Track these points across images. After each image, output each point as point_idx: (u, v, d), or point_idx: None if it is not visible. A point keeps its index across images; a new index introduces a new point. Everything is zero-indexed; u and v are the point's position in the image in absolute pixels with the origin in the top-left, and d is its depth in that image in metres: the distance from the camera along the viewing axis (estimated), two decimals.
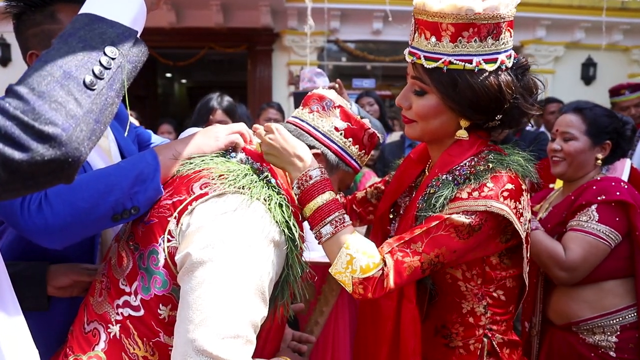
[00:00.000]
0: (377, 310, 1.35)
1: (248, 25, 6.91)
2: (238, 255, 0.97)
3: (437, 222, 1.15)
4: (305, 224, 1.20)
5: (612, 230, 1.73)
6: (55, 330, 1.24)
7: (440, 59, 1.17)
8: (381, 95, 5.32)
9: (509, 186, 1.17)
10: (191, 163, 1.11)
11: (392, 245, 1.15)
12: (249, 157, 1.16)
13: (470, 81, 1.17)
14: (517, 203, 1.17)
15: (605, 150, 1.86)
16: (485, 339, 1.27)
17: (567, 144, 1.86)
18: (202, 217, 1.00)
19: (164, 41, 6.94)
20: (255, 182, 1.06)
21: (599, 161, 1.86)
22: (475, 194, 1.16)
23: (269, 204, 1.04)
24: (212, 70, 10.33)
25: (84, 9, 0.82)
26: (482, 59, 1.16)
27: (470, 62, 1.16)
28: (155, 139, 1.71)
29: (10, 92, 0.69)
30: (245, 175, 1.06)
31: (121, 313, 1.05)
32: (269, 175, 1.12)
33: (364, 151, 1.29)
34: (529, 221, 1.26)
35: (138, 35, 0.84)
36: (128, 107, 0.86)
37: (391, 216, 1.45)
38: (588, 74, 7.52)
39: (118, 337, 1.04)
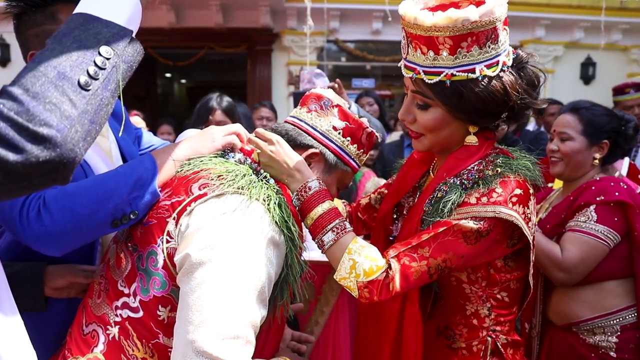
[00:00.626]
0: (380, 312, 1.35)
1: (248, 25, 6.91)
2: (237, 256, 0.97)
3: (445, 227, 1.14)
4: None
5: (611, 230, 1.72)
6: (54, 331, 1.23)
7: (442, 72, 1.14)
8: (381, 95, 5.33)
9: (518, 191, 1.16)
10: (190, 164, 1.11)
11: (399, 249, 1.15)
12: (247, 157, 1.17)
13: (476, 90, 1.15)
14: (526, 208, 1.17)
15: (603, 149, 1.85)
16: (489, 339, 1.27)
17: (564, 144, 1.86)
18: (201, 217, 1.00)
19: (164, 41, 6.95)
20: (254, 182, 1.06)
21: (596, 161, 1.85)
22: (484, 199, 1.15)
23: (268, 204, 1.03)
24: (212, 70, 10.34)
25: (78, 9, 0.82)
26: (484, 65, 1.14)
27: (473, 71, 1.13)
28: (156, 142, 1.71)
29: (5, 93, 0.68)
30: (244, 175, 1.06)
31: (120, 314, 1.04)
32: (268, 175, 1.12)
33: (362, 150, 1.29)
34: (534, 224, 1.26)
35: (133, 35, 0.84)
36: (123, 107, 0.86)
37: (394, 216, 1.45)
38: (587, 73, 7.53)
39: (117, 338, 1.04)
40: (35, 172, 0.66)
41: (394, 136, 4.01)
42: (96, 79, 0.74)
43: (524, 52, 1.26)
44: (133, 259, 1.06)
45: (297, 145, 1.23)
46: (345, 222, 1.18)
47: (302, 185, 1.17)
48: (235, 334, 0.93)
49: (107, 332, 1.05)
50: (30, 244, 1.03)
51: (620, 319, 1.74)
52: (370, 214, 1.62)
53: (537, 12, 7.02)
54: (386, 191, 1.58)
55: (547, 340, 1.88)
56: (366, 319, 1.45)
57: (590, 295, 1.77)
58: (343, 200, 1.72)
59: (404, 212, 1.42)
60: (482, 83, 1.15)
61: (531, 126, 4.93)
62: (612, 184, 1.78)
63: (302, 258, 1.13)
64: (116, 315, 1.05)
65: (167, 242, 1.02)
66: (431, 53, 1.14)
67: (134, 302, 1.04)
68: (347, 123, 1.24)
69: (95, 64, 0.75)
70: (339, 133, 1.24)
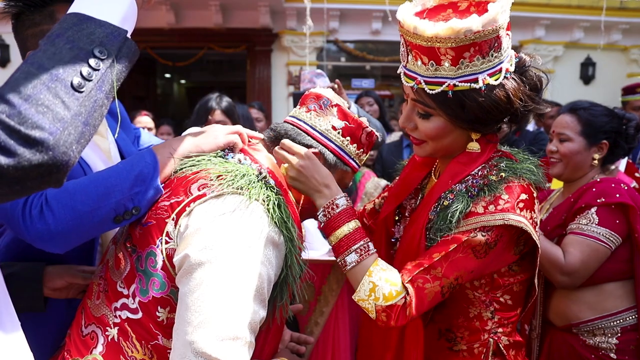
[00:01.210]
0: None
1: (247, 25, 6.91)
2: (237, 257, 0.96)
3: (456, 245, 1.13)
4: (304, 224, 1.20)
5: (612, 232, 1.72)
6: (53, 331, 1.23)
7: (444, 82, 1.12)
8: (381, 95, 5.32)
9: (524, 196, 1.15)
10: (189, 163, 1.10)
11: (412, 273, 1.14)
12: (247, 158, 1.16)
13: (479, 100, 1.13)
14: (532, 213, 1.16)
15: (602, 150, 1.84)
16: (491, 341, 1.26)
17: (563, 145, 1.85)
18: (200, 218, 0.99)
19: (163, 42, 6.95)
20: (254, 182, 1.05)
21: (596, 161, 1.85)
22: (492, 207, 1.14)
23: (268, 205, 1.03)
24: (211, 70, 10.34)
25: (72, 9, 0.80)
26: (487, 74, 1.12)
27: (476, 80, 1.11)
28: (155, 141, 1.71)
29: None
30: (244, 175, 1.06)
31: (119, 316, 1.04)
32: (267, 175, 1.11)
33: (362, 150, 1.28)
34: None
35: (128, 35, 0.82)
36: (118, 108, 0.85)
37: (396, 218, 1.44)
38: (587, 73, 7.53)
39: (116, 340, 1.04)
40: (27, 176, 0.66)
41: (394, 136, 4.01)
42: (90, 81, 0.73)
43: (526, 54, 1.24)
44: (132, 259, 1.06)
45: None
46: (369, 243, 1.18)
47: (329, 202, 1.18)
48: (235, 334, 0.92)
49: (106, 333, 1.05)
50: (34, 242, 1.03)
51: (621, 321, 1.74)
52: (375, 219, 1.61)
53: (537, 12, 7.03)
54: (388, 194, 1.57)
55: (547, 342, 1.87)
56: (369, 324, 1.45)
57: (590, 297, 1.76)
58: None
59: (406, 214, 1.41)
60: (485, 92, 1.12)
61: (530, 126, 4.93)
62: (612, 185, 1.77)
63: (301, 258, 1.13)
64: (115, 316, 1.05)
65: (166, 242, 1.02)
66: (432, 63, 1.12)
67: (133, 303, 1.03)
68: (347, 122, 1.24)
69: (89, 65, 0.74)
70: (339, 133, 1.23)
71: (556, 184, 2.12)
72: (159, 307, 1.02)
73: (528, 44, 7.24)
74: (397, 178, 1.52)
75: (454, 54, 1.09)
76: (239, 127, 1.23)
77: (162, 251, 1.02)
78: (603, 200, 1.74)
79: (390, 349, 1.32)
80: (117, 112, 1.41)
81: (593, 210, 1.74)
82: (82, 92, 0.72)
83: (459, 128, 1.20)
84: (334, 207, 1.18)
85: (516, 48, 1.27)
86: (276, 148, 1.21)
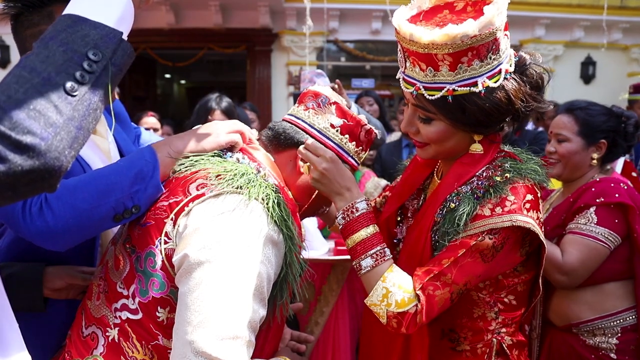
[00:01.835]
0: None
1: (247, 25, 6.91)
2: (236, 256, 0.96)
3: (464, 250, 1.13)
4: (303, 222, 1.20)
5: (611, 232, 1.71)
6: (53, 332, 1.23)
7: (443, 87, 1.11)
8: (381, 95, 5.32)
9: (529, 197, 1.15)
10: (187, 163, 1.10)
11: (423, 280, 1.14)
12: (246, 157, 1.15)
13: (479, 103, 1.12)
14: (538, 213, 1.17)
15: (600, 149, 1.83)
16: (494, 341, 1.26)
17: (561, 146, 1.84)
18: (199, 218, 0.99)
19: (163, 42, 6.95)
20: (253, 181, 1.05)
21: (595, 161, 1.84)
22: (498, 209, 1.13)
23: (267, 203, 1.03)
24: (211, 70, 10.35)
25: (67, 10, 0.79)
26: (486, 77, 1.11)
27: (475, 84, 1.10)
28: (155, 140, 1.71)
29: None
30: (243, 174, 1.05)
31: (119, 316, 1.04)
32: (266, 174, 1.11)
33: (361, 147, 1.27)
34: None
35: (124, 36, 0.81)
36: (112, 109, 0.84)
37: (398, 218, 1.44)
38: (587, 72, 7.52)
39: (117, 340, 1.04)
40: (19, 182, 0.64)
41: (393, 136, 4.01)
42: (83, 84, 0.71)
43: (526, 52, 1.23)
44: (131, 260, 1.06)
45: (295, 144, 1.22)
46: (385, 248, 1.19)
47: (349, 205, 1.19)
48: (235, 334, 0.92)
49: (107, 334, 1.05)
50: (34, 240, 1.03)
51: (621, 321, 1.74)
52: (377, 219, 1.62)
53: (537, 12, 7.02)
54: (390, 194, 1.56)
55: (547, 342, 1.87)
56: (372, 327, 1.44)
57: (590, 297, 1.76)
58: None
59: (409, 214, 1.40)
60: (485, 95, 1.12)
61: (530, 125, 4.92)
62: (612, 185, 1.77)
63: (301, 257, 1.13)
64: (115, 317, 1.05)
65: (165, 243, 1.01)
66: (430, 69, 1.11)
67: (133, 304, 1.03)
68: (345, 120, 1.23)
69: (83, 68, 0.72)
70: (337, 130, 1.23)
71: (556, 184, 2.12)
72: (158, 308, 1.02)
73: (528, 43, 7.23)
74: (399, 178, 1.52)
75: (451, 59, 1.08)
76: (240, 125, 1.22)
77: (161, 251, 1.02)
78: (602, 200, 1.73)
79: (396, 353, 1.32)
80: (118, 112, 1.41)
81: (592, 209, 1.74)
82: (75, 95, 0.70)
83: (461, 131, 1.20)
84: (354, 210, 1.19)
85: (516, 47, 1.26)
86: (300, 148, 1.21)
